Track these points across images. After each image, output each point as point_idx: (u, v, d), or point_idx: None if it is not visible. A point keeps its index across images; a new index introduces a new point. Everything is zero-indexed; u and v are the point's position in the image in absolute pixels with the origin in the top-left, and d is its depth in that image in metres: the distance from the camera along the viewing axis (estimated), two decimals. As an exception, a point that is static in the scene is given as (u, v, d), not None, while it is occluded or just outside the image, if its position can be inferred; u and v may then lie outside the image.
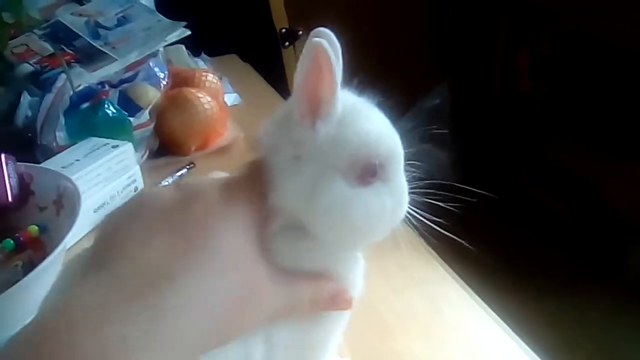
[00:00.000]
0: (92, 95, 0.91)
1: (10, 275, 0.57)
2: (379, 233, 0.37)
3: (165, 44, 1.09)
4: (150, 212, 0.33)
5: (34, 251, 0.62)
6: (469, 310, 0.59)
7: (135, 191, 0.84)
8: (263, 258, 0.33)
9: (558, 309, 1.54)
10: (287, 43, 1.93)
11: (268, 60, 1.71)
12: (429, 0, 2.47)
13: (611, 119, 1.86)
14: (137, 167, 0.85)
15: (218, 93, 1.09)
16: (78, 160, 0.77)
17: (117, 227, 0.32)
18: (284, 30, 1.94)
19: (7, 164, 0.66)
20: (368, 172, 0.34)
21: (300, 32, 1.93)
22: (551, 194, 2.09)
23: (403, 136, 0.37)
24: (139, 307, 0.27)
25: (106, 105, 0.89)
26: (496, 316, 0.58)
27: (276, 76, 1.42)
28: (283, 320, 0.34)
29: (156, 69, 1.03)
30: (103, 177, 0.78)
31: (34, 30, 1.06)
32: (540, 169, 2.19)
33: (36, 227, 0.64)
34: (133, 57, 1.02)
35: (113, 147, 0.81)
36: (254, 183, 0.35)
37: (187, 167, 0.92)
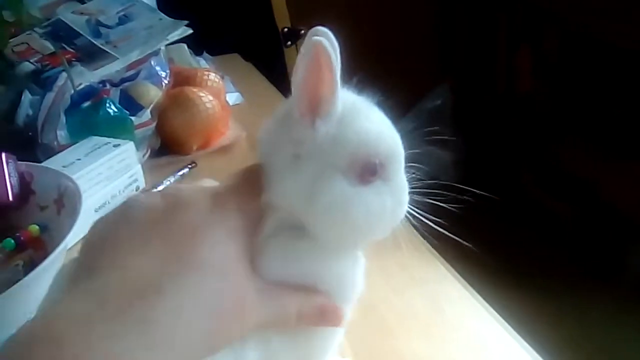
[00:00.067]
0: (93, 94, 0.91)
1: (10, 274, 0.57)
2: (379, 232, 0.36)
3: (167, 42, 1.09)
4: (139, 220, 0.32)
5: (34, 251, 0.62)
6: (470, 309, 0.59)
7: (136, 190, 0.84)
8: (251, 269, 0.33)
9: (559, 308, 1.54)
10: (289, 42, 1.93)
11: (270, 60, 1.70)
12: (431, 0, 2.47)
13: (612, 119, 1.86)
14: (139, 167, 0.85)
15: (220, 92, 1.09)
16: (79, 159, 0.77)
17: (105, 235, 0.32)
18: (286, 29, 1.94)
19: (7, 163, 0.66)
20: (368, 171, 0.34)
21: (303, 32, 1.92)
22: (552, 193, 2.09)
23: (405, 137, 0.37)
24: (127, 318, 0.27)
25: (107, 104, 0.89)
26: (497, 315, 0.58)
27: (278, 75, 1.42)
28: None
29: (158, 68, 1.03)
30: (104, 177, 0.78)
31: (35, 29, 1.06)
32: (541, 168, 2.19)
33: (37, 227, 0.64)
34: (134, 56, 1.02)
35: (114, 146, 0.81)
36: (245, 191, 0.35)
37: (189, 166, 0.92)
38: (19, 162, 0.68)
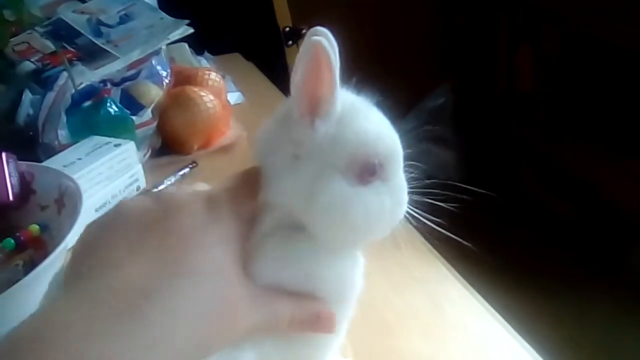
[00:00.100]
0: (94, 93, 0.91)
1: (11, 274, 0.57)
2: (378, 232, 0.36)
3: (168, 42, 1.08)
4: (132, 223, 0.32)
5: (35, 250, 0.62)
6: (471, 309, 0.59)
7: (137, 190, 0.84)
8: (244, 274, 0.33)
9: (560, 308, 1.54)
10: (290, 42, 1.93)
11: (271, 59, 1.70)
12: (431, 1, 2.47)
13: (613, 118, 1.86)
14: (139, 166, 0.85)
15: (221, 92, 1.09)
16: (80, 159, 0.77)
17: (97, 240, 0.32)
18: (287, 29, 1.94)
19: (8, 163, 0.66)
20: (367, 171, 0.34)
21: (304, 31, 1.91)
22: (552, 193, 2.09)
23: (406, 136, 0.37)
24: (118, 324, 0.27)
25: (108, 104, 0.88)
26: (498, 315, 0.58)
27: (279, 75, 1.42)
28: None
29: (159, 67, 1.03)
30: (105, 176, 0.78)
31: (36, 28, 1.06)
32: (542, 168, 2.19)
33: (37, 226, 0.64)
34: (135, 55, 1.02)
35: (115, 145, 0.81)
36: (242, 194, 0.34)
37: (190, 166, 0.92)
38: (20, 162, 0.68)
